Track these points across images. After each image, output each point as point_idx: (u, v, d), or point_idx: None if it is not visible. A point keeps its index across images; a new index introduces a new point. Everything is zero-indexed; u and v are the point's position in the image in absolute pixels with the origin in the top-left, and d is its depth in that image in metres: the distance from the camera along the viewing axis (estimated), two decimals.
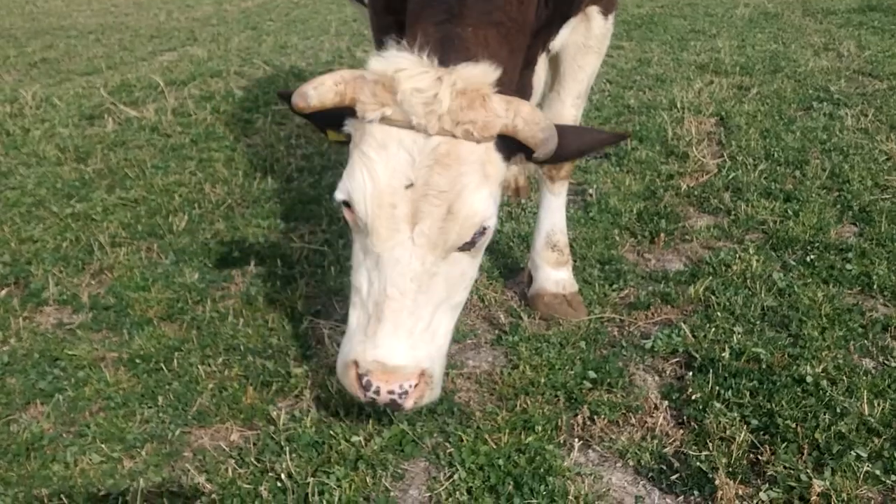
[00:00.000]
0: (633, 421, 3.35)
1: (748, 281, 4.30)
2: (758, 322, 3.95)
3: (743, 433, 3.14)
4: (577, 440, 3.24)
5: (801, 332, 3.84)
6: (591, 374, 3.59)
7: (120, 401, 3.49)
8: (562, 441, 3.24)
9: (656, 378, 3.63)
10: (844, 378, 3.49)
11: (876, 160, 5.99)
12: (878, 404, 3.30)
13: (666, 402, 3.43)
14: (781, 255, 4.62)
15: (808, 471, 2.98)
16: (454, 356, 3.82)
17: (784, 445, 3.08)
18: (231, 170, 6.04)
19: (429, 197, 2.68)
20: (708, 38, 10.27)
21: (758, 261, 4.48)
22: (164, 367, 3.70)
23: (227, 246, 4.82)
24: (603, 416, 3.34)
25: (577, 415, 3.37)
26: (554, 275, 4.25)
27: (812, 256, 4.57)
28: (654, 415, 3.36)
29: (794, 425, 3.17)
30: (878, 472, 2.93)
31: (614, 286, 4.35)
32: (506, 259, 4.70)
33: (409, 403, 2.79)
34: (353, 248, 2.92)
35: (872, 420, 3.20)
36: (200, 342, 3.88)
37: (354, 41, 10.27)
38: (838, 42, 10.06)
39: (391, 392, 2.75)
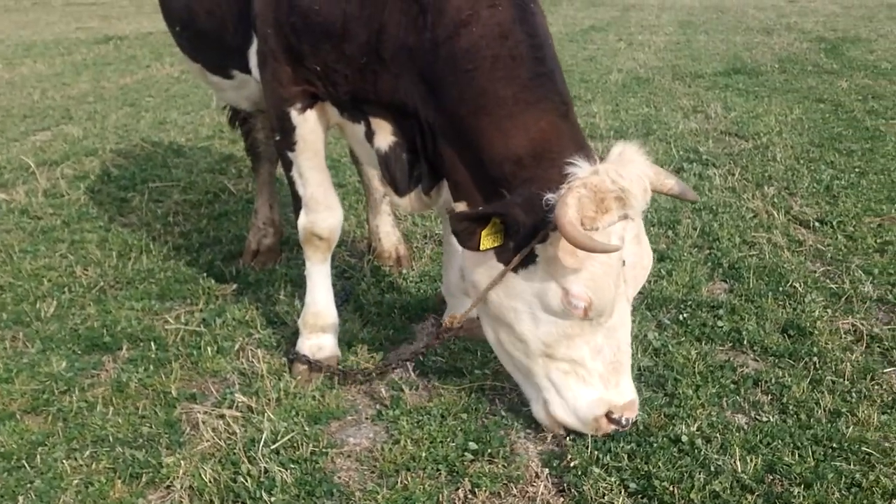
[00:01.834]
0: (514, 491, 3.33)
1: None
2: (635, 383, 4.00)
3: (621, 498, 3.16)
4: None
5: (677, 391, 3.91)
6: (473, 446, 3.56)
7: None
8: None
9: (537, 445, 3.63)
10: (718, 435, 3.56)
11: (743, 217, 6.21)
12: (751, 460, 3.36)
13: (547, 470, 3.43)
14: (656, 315, 4.71)
15: None
16: (334, 434, 3.75)
17: None
18: (104, 251, 5.88)
19: (633, 265, 3.29)
20: (584, 104, 10.55)
21: (634, 321, 4.55)
22: (26, 465, 3.51)
23: (98, 331, 4.66)
24: (484, 488, 3.32)
25: (458, 488, 3.33)
26: (469, 303, 4.27)
27: (685, 314, 4.68)
28: (535, 483, 3.36)
29: (670, 487, 3.20)
30: None
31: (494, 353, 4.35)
32: (388, 331, 4.67)
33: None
34: (551, 331, 3.35)
35: (745, 477, 3.27)
36: (66, 435, 3.72)
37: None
38: (706, 104, 10.46)
39: (634, 419, 3.48)
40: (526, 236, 3.23)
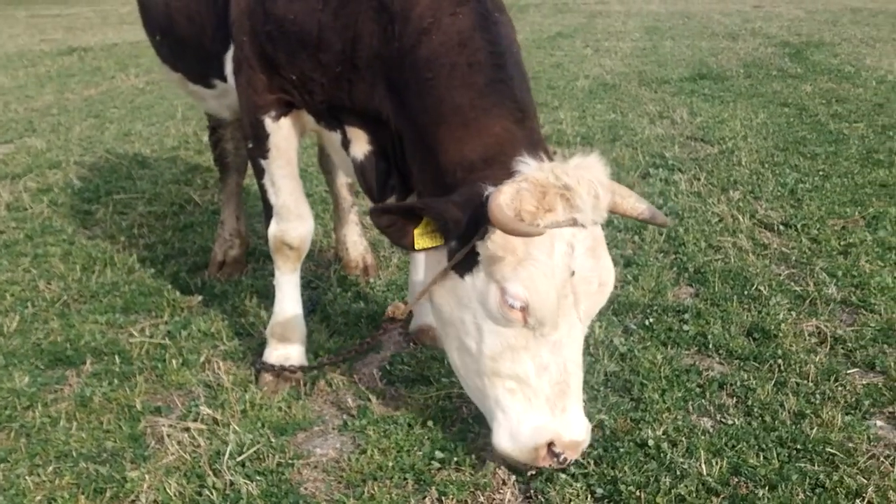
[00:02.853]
0: (481, 498, 3.33)
1: (591, 348, 4.37)
2: (601, 388, 4.02)
3: (588, 503, 3.16)
4: None
5: (643, 396, 3.92)
6: (440, 454, 3.55)
7: None
8: None
9: None
10: (684, 439, 3.57)
11: (709, 222, 6.26)
12: (716, 463, 3.38)
13: (514, 477, 3.42)
14: (623, 320, 4.73)
15: None
16: (300, 445, 3.73)
17: None
18: (68, 264, 5.82)
19: (586, 279, 3.10)
20: (551, 110, 10.59)
21: (600, 327, 4.57)
22: None
23: (61, 345, 4.61)
24: (451, 497, 3.30)
25: (425, 497, 3.32)
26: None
27: (651, 319, 4.70)
28: (502, 490, 3.36)
29: (636, 491, 3.21)
30: None
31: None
32: (355, 340, 4.65)
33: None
34: (495, 342, 3.18)
35: (711, 479, 3.28)
36: (29, 451, 3.67)
37: (201, 126, 10.12)
38: (672, 110, 10.54)
39: (574, 461, 3.26)
40: (465, 233, 3.15)
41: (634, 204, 3.27)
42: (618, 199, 3.22)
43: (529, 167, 3.08)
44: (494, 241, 3.04)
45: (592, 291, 3.16)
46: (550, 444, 3.13)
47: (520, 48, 3.66)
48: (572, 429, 3.15)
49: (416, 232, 3.21)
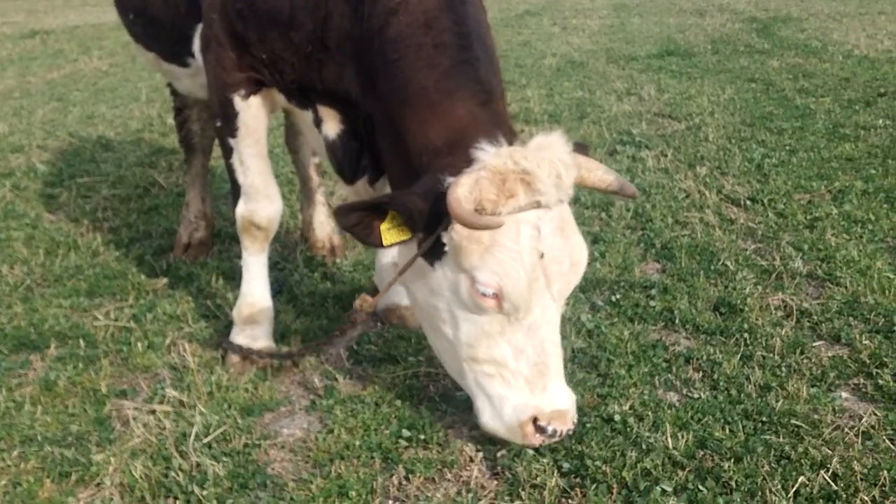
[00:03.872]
0: (448, 476, 3.33)
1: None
2: (569, 364, 4.01)
3: (554, 479, 3.17)
4: (392, 501, 3.19)
5: (610, 371, 3.93)
6: (406, 432, 3.54)
7: None
8: None
9: (471, 430, 3.60)
10: (650, 413, 3.58)
11: (676, 198, 6.27)
12: (682, 437, 3.39)
13: (481, 454, 3.42)
14: (590, 297, 4.73)
15: None
16: (267, 426, 3.71)
17: (594, 487, 3.12)
18: (31, 248, 5.74)
19: (557, 259, 3.09)
20: (518, 88, 10.57)
21: (567, 304, 4.56)
22: None
23: (25, 329, 4.55)
24: (419, 474, 3.30)
25: (392, 475, 3.31)
26: (403, 290, 4.26)
27: (618, 296, 4.71)
28: (469, 468, 3.35)
29: (603, 466, 3.21)
30: None
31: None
32: (321, 321, 4.63)
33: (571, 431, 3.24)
34: (470, 329, 3.19)
35: (677, 453, 3.29)
36: None
37: (165, 108, 10.02)
38: (640, 86, 10.55)
39: (568, 431, 3.20)
40: (430, 225, 3.13)
41: (602, 176, 3.27)
42: (584, 172, 3.21)
43: (487, 154, 3.05)
44: (459, 232, 3.03)
45: (564, 271, 3.15)
46: (536, 421, 3.14)
47: (489, 28, 3.64)
48: (553, 400, 3.16)
49: (383, 227, 3.18)
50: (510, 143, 3.14)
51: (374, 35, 3.42)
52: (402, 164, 3.41)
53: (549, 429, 3.14)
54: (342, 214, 3.16)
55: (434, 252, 3.20)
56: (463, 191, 2.94)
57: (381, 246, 3.23)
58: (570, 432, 3.23)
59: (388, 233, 3.19)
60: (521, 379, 3.16)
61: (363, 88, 3.55)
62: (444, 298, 3.25)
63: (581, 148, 3.38)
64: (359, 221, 3.16)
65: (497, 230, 2.99)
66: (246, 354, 4.16)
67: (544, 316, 3.16)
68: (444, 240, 3.12)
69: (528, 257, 3.03)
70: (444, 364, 3.50)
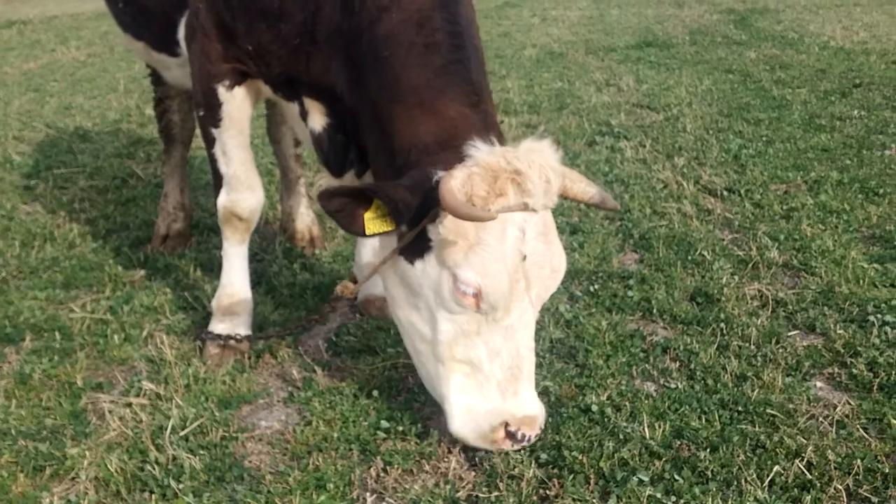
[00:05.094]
0: (426, 468, 3.33)
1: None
2: (547, 355, 4.03)
3: (532, 470, 3.18)
4: (370, 494, 3.18)
5: (587, 362, 3.94)
6: (385, 424, 3.54)
7: None
8: (355, 496, 3.17)
9: None
10: (627, 403, 3.60)
11: (654, 188, 6.29)
12: (659, 426, 3.41)
13: (459, 446, 3.43)
14: (568, 287, 4.74)
15: (595, 500, 3.03)
16: (245, 418, 3.70)
17: (572, 478, 3.13)
18: (7, 240, 5.70)
19: (538, 263, 3.12)
20: (498, 79, 10.56)
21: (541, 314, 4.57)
22: None
23: (0, 322, 4.52)
24: (397, 466, 3.30)
25: (370, 467, 3.31)
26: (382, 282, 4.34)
27: (596, 286, 4.72)
28: (447, 459, 3.35)
29: (580, 456, 3.22)
30: (659, 495, 3.02)
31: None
32: (300, 312, 4.62)
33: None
34: (446, 328, 3.18)
35: (654, 443, 3.31)
36: None
37: (143, 99, 9.97)
38: (619, 77, 10.57)
39: (536, 437, 3.23)
40: (416, 217, 3.13)
41: (585, 188, 3.30)
42: (568, 182, 3.24)
43: (481, 151, 3.07)
44: (446, 226, 3.04)
45: (544, 276, 3.18)
46: (506, 426, 3.15)
47: (478, 28, 3.63)
48: (524, 405, 3.18)
49: (367, 216, 3.18)
50: (501, 145, 3.16)
51: (365, 30, 3.41)
52: (387, 160, 3.41)
53: (519, 434, 3.16)
54: (326, 198, 3.15)
55: (416, 249, 3.21)
56: (456, 182, 2.96)
57: (364, 235, 3.24)
58: (538, 437, 3.26)
59: (372, 222, 3.19)
60: (494, 383, 3.17)
61: (349, 82, 3.54)
62: (423, 296, 3.25)
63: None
64: (342, 207, 3.16)
65: (483, 228, 3.00)
66: (224, 343, 4.14)
67: (521, 319, 3.17)
68: (431, 234, 3.13)
69: (512, 258, 3.05)
70: (418, 365, 3.47)
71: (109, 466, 3.28)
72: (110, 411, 3.69)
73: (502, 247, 3.02)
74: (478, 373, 3.18)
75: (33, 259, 5.41)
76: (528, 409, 3.18)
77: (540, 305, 3.28)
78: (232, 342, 4.15)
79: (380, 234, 3.25)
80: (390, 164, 3.37)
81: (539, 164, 3.05)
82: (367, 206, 3.18)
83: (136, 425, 3.59)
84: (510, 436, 3.16)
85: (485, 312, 3.11)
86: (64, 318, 4.59)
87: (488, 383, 3.17)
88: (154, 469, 3.27)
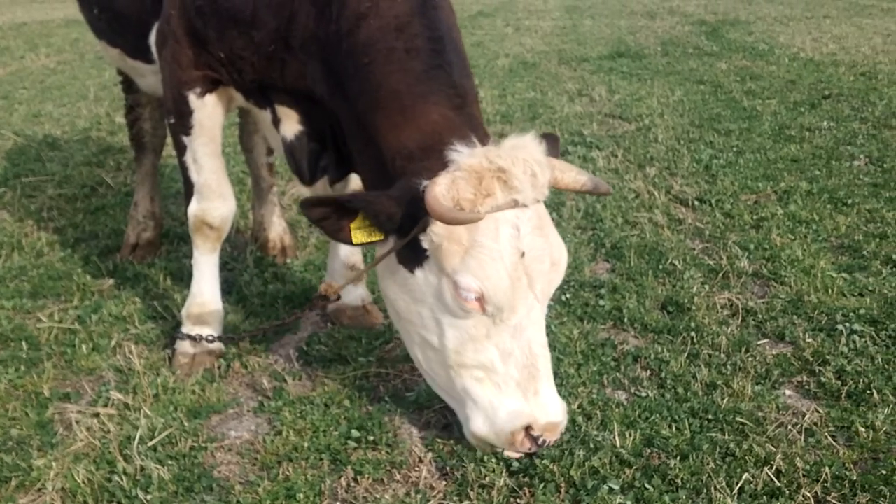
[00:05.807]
0: (397, 477, 3.31)
1: None
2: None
3: (502, 478, 3.17)
4: (340, 503, 3.16)
5: (559, 371, 3.93)
6: (356, 433, 3.52)
7: None
8: None
9: (420, 430, 3.61)
10: (598, 412, 3.60)
11: (625, 198, 6.32)
12: (630, 435, 3.41)
13: (430, 455, 3.41)
14: None
15: None
16: (214, 428, 3.67)
17: (542, 486, 3.12)
18: None
19: (538, 258, 3.09)
20: None
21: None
22: None
23: None
24: (367, 475, 3.28)
25: (341, 477, 3.29)
26: (353, 291, 4.44)
27: (568, 295, 4.73)
28: (418, 468, 3.34)
29: (551, 465, 3.22)
30: (629, 503, 3.02)
31: (379, 339, 4.34)
32: (271, 321, 4.59)
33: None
34: (455, 335, 3.16)
35: (624, 452, 3.31)
36: None
37: (114, 106, 9.92)
38: (591, 88, 10.63)
39: (555, 442, 3.23)
40: (404, 227, 3.12)
41: (576, 177, 3.27)
42: (558, 173, 3.21)
43: (462, 155, 3.04)
44: (438, 233, 3.04)
45: (545, 270, 3.14)
46: (528, 429, 3.14)
47: (460, 33, 3.63)
48: (548, 411, 3.16)
49: (353, 226, 3.17)
50: (484, 145, 3.13)
51: (343, 37, 3.40)
52: (376, 167, 3.39)
53: (541, 440, 3.15)
54: (307, 207, 3.16)
55: (414, 258, 3.19)
56: (440, 189, 2.95)
57: (351, 244, 3.24)
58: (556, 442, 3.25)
59: (359, 232, 3.18)
60: (513, 383, 3.14)
61: (330, 89, 3.52)
62: (427, 305, 3.23)
63: (551, 139, 3.41)
64: (326, 216, 3.15)
65: (476, 230, 2.99)
66: (197, 341, 4.13)
67: (529, 316, 3.15)
68: (424, 243, 3.11)
69: (510, 257, 3.03)
70: (427, 374, 3.43)
71: (76, 477, 3.24)
72: (77, 422, 3.65)
73: (497, 246, 3.01)
74: (494, 375, 3.15)
75: (0, 268, 5.34)
76: (552, 416, 3.16)
77: (546, 300, 3.24)
78: (204, 342, 4.13)
79: (367, 243, 3.24)
80: (380, 171, 3.35)
81: (523, 158, 3.02)
82: (353, 216, 3.17)
83: (103, 436, 3.55)
84: (531, 439, 3.15)
85: (491, 314, 3.10)
86: (31, 327, 4.54)
87: (506, 385, 3.15)
88: (122, 480, 3.23)
